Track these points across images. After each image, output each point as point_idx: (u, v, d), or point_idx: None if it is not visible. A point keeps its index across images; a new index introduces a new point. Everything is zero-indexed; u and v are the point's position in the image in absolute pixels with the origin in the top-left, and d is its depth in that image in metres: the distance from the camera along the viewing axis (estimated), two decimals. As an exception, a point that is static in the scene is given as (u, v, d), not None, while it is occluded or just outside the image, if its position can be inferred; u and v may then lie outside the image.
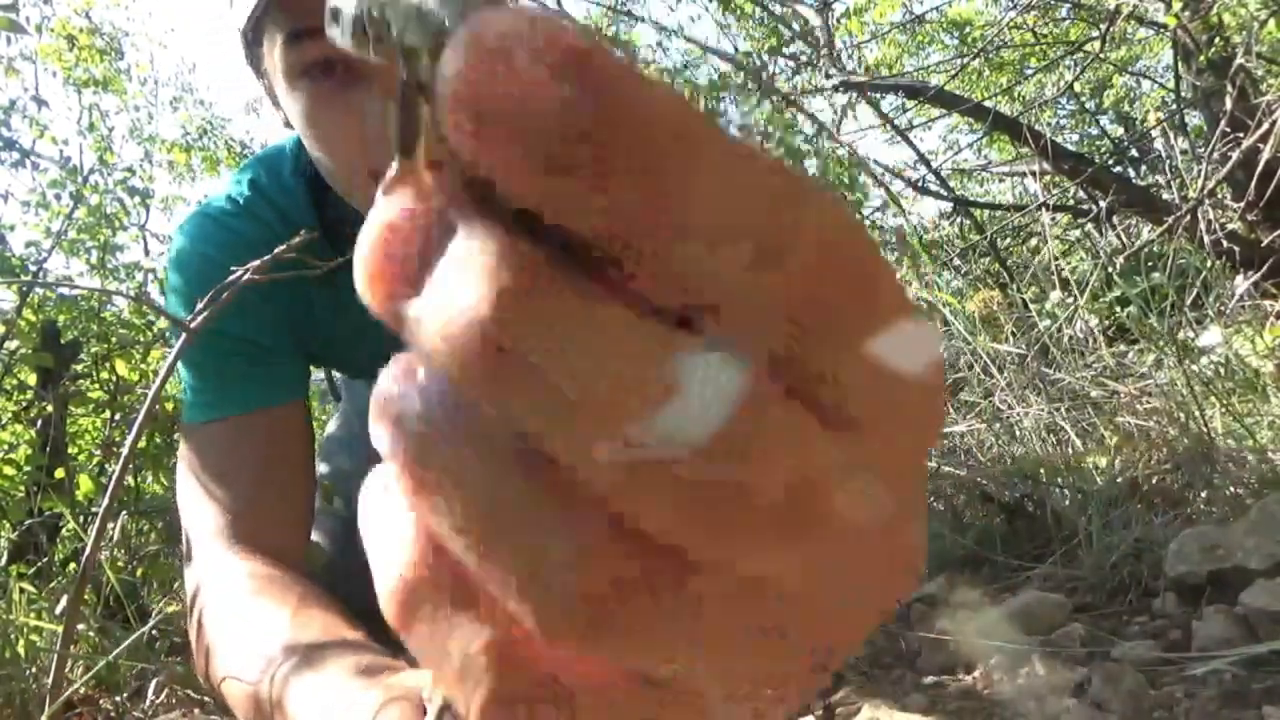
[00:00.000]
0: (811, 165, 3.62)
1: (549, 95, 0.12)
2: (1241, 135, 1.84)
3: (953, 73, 3.92)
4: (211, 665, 0.68)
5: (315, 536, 1.42)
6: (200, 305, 0.72)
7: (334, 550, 1.39)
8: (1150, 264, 1.90)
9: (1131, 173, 3.80)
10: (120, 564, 1.30)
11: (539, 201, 0.13)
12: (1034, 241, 2.86)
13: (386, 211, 0.15)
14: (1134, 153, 3.98)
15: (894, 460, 0.15)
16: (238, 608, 0.70)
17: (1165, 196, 2.31)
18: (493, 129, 0.12)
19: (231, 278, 0.71)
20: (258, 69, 0.78)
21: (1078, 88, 4.68)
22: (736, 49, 3.79)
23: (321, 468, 1.49)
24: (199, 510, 0.81)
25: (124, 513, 1.27)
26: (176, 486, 0.84)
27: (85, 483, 1.31)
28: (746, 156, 0.13)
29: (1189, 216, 1.85)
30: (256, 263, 0.71)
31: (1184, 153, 2.60)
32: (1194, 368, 1.12)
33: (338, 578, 1.34)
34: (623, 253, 0.13)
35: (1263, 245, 1.91)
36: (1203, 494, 1.00)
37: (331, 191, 0.87)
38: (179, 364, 0.90)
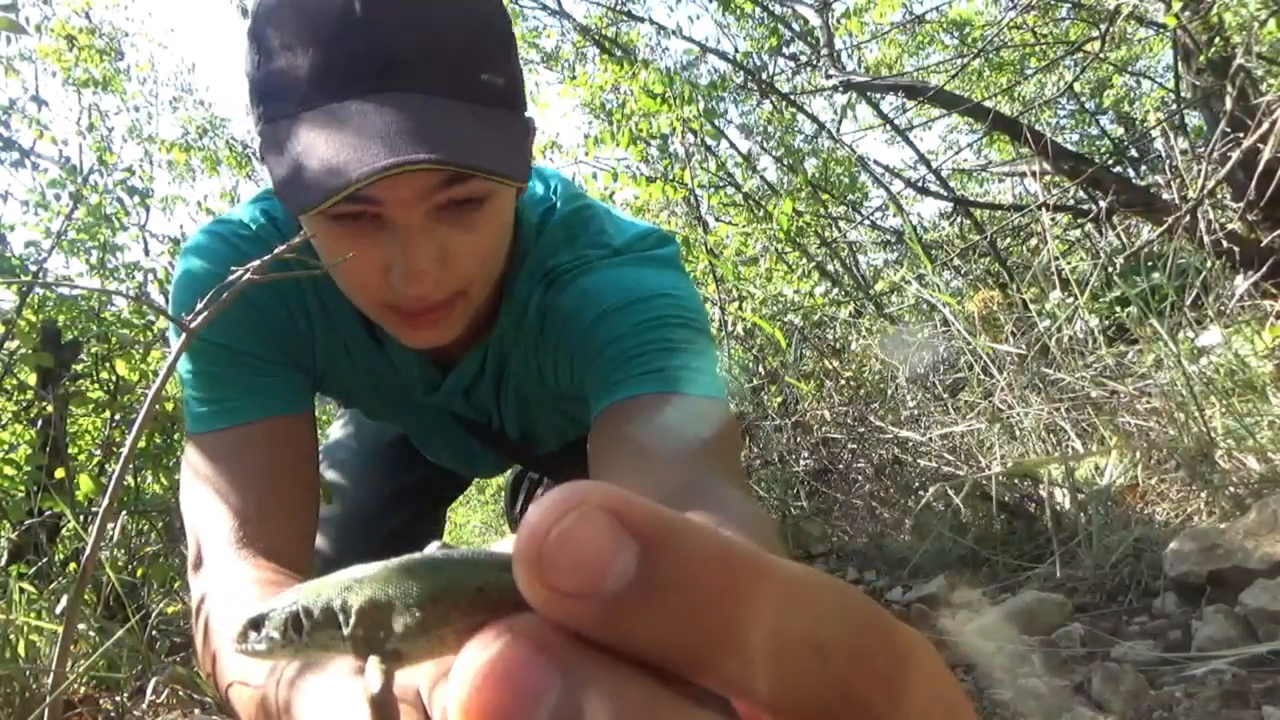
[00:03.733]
0: (811, 165, 3.62)
1: (605, 565, 0.15)
2: (1241, 135, 1.84)
3: (953, 73, 3.92)
4: (218, 670, 0.68)
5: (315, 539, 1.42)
6: (200, 305, 0.72)
7: (332, 552, 1.39)
8: (1150, 264, 1.90)
9: (1131, 173, 3.80)
10: (120, 564, 1.30)
11: (609, 640, 0.16)
12: (1034, 241, 2.86)
13: None
14: (1134, 153, 3.98)
15: None
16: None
17: (1165, 196, 2.31)
18: (564, 597, 0.15)
19: (231, 278, 0.71)
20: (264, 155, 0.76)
21: (1078, 88, 4.68)
22: (736, 49, 3.79)
23: (325, 471, 1.49)
24: (205, 517, 0.82)
25: (124, 513, 1.27)
26: (181, 493, 0.84)
27: (85, 483, 1.31)
28: (792, 580, 0.16)
29: (1189, 216, 1.85)
30: (256, 263, 0.70)
31: (1184, 153, 2.60)
32: (1194, 368, 1.12)
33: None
34: (681, 668, 0.16)
35: (1263, 245, 1.91)
36: (1203, 494, 1.00)
37: None
38: (183, 374, 0.92)
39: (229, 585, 0.75)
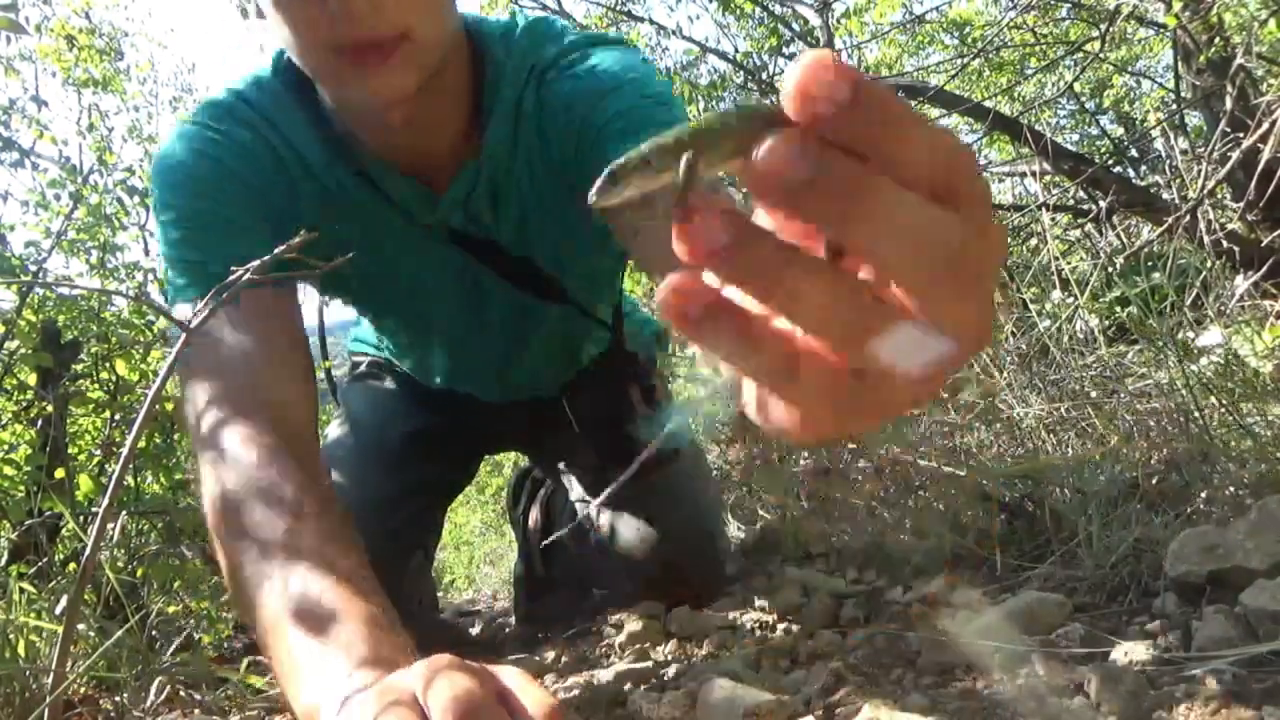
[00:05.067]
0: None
1: (839, 87, 0.26)
2: (1241, 135, 1.84)
3: (953, 73, 3.92)
4: (241, 575, 0.74)
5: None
6: (200, 305, 0.72)
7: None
8: (1150, 264, 1.90)
9: (1131, 173, 3.79)
10: (120, 564, 1.30)
11: (836, 135, 0.27)
12: (1034, 241, 2.86)
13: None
14: (1134, 153, 3.98)
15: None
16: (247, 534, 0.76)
17: (1165, 196, 2.31)
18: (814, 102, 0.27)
19: (231, 278, 0.71)
20: None
21: (1078, 88, 4.68)
22: (736, 49, 3.78)
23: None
24: (206, 390, 0.84)
25: (124, 513, 1.27)
26: (181, 388, 0.87)
27: (85, 483, 1.31)
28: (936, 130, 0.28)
29: (1189, 216, 1.85)
30: (256, 263, 0.71)
31: (1184, 153, 2.60)
32: (1194, 368, 1.12)
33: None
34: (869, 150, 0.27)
35: (1263, 245, 1.91)
36: (1203, 494, 1.00)
37: (314, 87, 0.98)
38: (164, 251, 0.97)
39: (254, 478, 0.77)
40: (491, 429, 1.58)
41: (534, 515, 1.75)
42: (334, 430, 1.58)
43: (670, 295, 0.29)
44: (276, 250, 0.71)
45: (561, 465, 1.50)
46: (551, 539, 1.61)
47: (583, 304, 1.26)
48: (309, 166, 1.02)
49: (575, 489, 1.45)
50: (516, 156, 1.08)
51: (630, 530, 1.33)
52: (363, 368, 1.61)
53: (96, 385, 1.44)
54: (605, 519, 1.38)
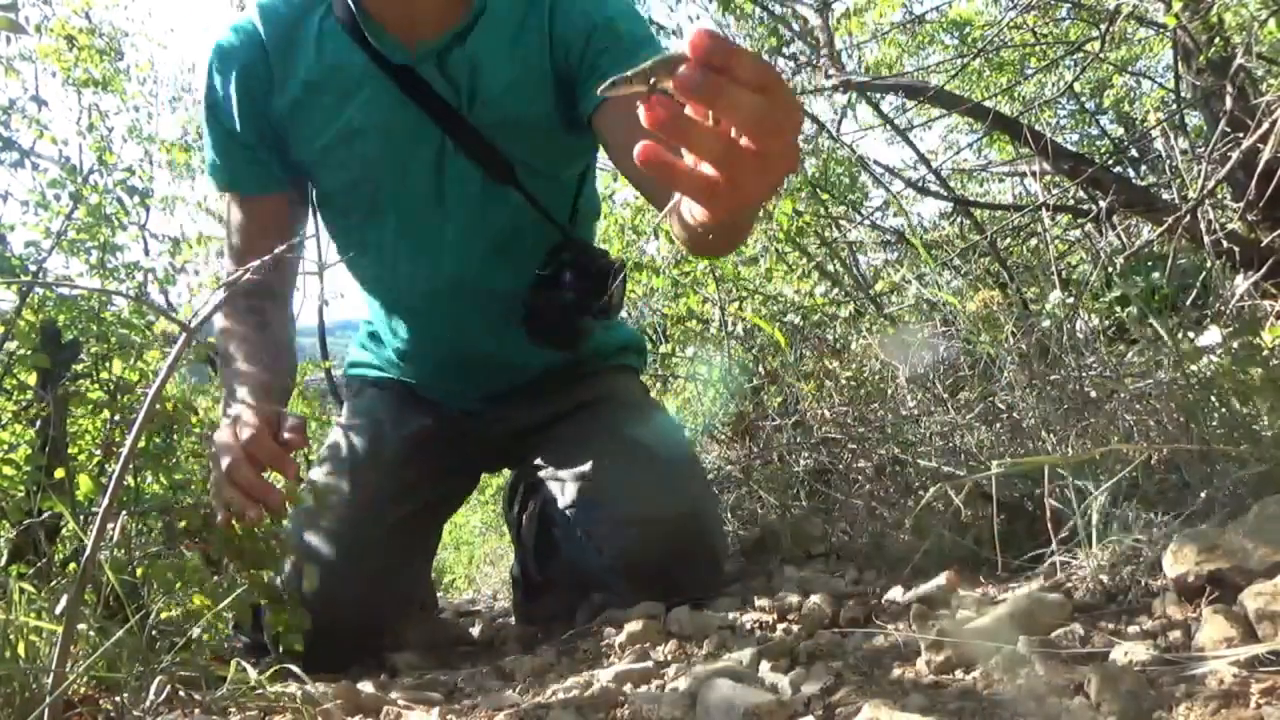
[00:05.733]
0: (811, 165, 3.61)
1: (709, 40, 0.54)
2: (1241, 135, 1.84)
3: (953, 73, 3.92)
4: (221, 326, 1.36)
5: (314, 540, 1.43)
6: (202, 305, 0.73)
7: (338, 549, 1.39)
8: (1150, 264, 1.90)
9: (1131, 173, 3.79)
10: (120, 564, 1.30)
11: (710, 63, 0.55)
12: (1034, 242, 2.86)
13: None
14: (1134, 153, 3.98)
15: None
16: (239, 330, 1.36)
17: (1165, 196, 2.31)
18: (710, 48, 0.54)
19: (231, 278, 0.71)
20: None
21: (1078, 88, 4.68)
22: (736, 49, 3.78)
23: (325, 475, 1.50)
24: (230, 245, 1.44)
25: (124, 513, 1.26)
26: (227, 237, 1.44)
27: (85, 483, 1.31)
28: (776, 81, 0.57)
29: (1189, 216, 1.85)
30: (256, 263, 0.71)
31: (1184, 153, 2.60)
32: (1194, 368, 1.12)
33: (336, 582, 1.34)
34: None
35: (1263, 245, 1.91)
36: (1202, 494, 1.00)
37: None
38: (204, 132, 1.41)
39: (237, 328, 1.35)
40: (482, 433, 1.60)
41: (529, 518, 1.75)
42: (334, 436, 1.59)
43: (643, 149, 0.58)
44: (277, 250, 0.71)
45: (551, 472, 1.50)
46: (524, 519, 1.71)
47: (536, 199, 1.40)
48: (308, 36, 1.33)
49: (565, 496, 1.46)
50: (520, 41, 1.32)
51: (625, 527, 1.33)
52: (359, 385, 1.67)
53: (96, 385, 1.43)
54: (598, 519, 1.38)
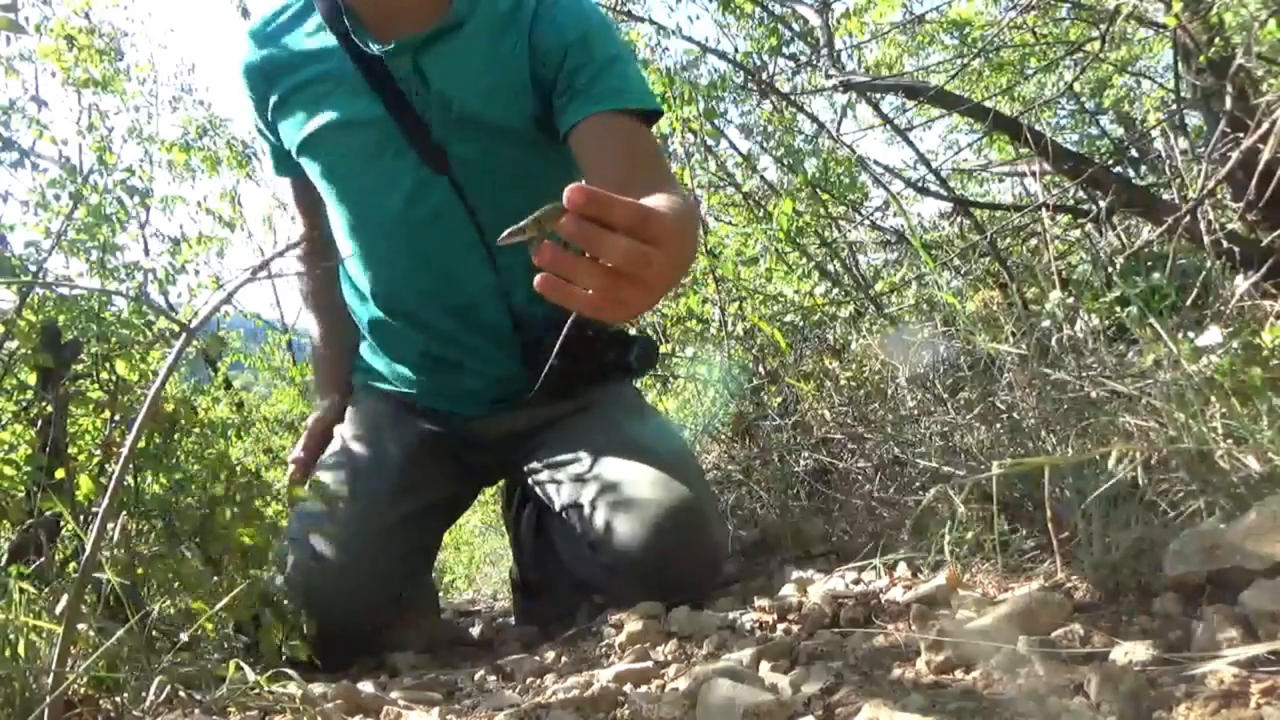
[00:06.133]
0: (811, 165, 3.61)
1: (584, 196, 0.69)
2: (1241, 135, 1.84)
3: (953, 73, 3.92)
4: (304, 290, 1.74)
5: (314, 540, 1.43)
6: (202, 305, 0.73)
7: (342, 552, 1.40)
8: (1150, 264, 1.89)
9: (1131, 173, 3.79)
10: (120, 564, 1.30)
11: (586, 214, 0.70)
12: (1034, 241, 2.86)
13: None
14: (1134, 153, 3.98)
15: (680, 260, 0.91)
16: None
17: (1165, 196, 2.31)
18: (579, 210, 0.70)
19: (232, 280, 0.72)
20: None
21: (1078, 88, 4.67)
22: (736, 49, 3.78)
23: (328, 476, 1.50)
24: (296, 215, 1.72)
25: (124, 513, 1.26)
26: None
27: (85, 483, 1.31)
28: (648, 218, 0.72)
29: (1189, 216, 1.84)
30: (256, 263, 0.72)
31: (1184, 153, 2.60)
32: (1194, 368, 1.12)
33: (335, 581, 1.35)
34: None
35: (1263, 245, 1.91)
36: (1203, 494, 1.00)
37: None
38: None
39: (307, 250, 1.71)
40: (480, 436, 1.60)
41: (526, 519, 1.75)
42: (336, 442, 1.60)
43: (541, 280, 0.70)
44: (274, 253, 0.72)
45: (548, 475, 1.51)
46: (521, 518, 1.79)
47: (471, 201, 1.47)
48: (285, 46, 1.49)
49: (562, 497, 1.46)
50: (500, 48, 1.40)
51: (622, 525, 1.33)
52: (362, 392, 1.68)
53: (96, 385, 1.43)
54: (596, 518, 1.38)
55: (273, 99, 1.51)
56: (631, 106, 1.33)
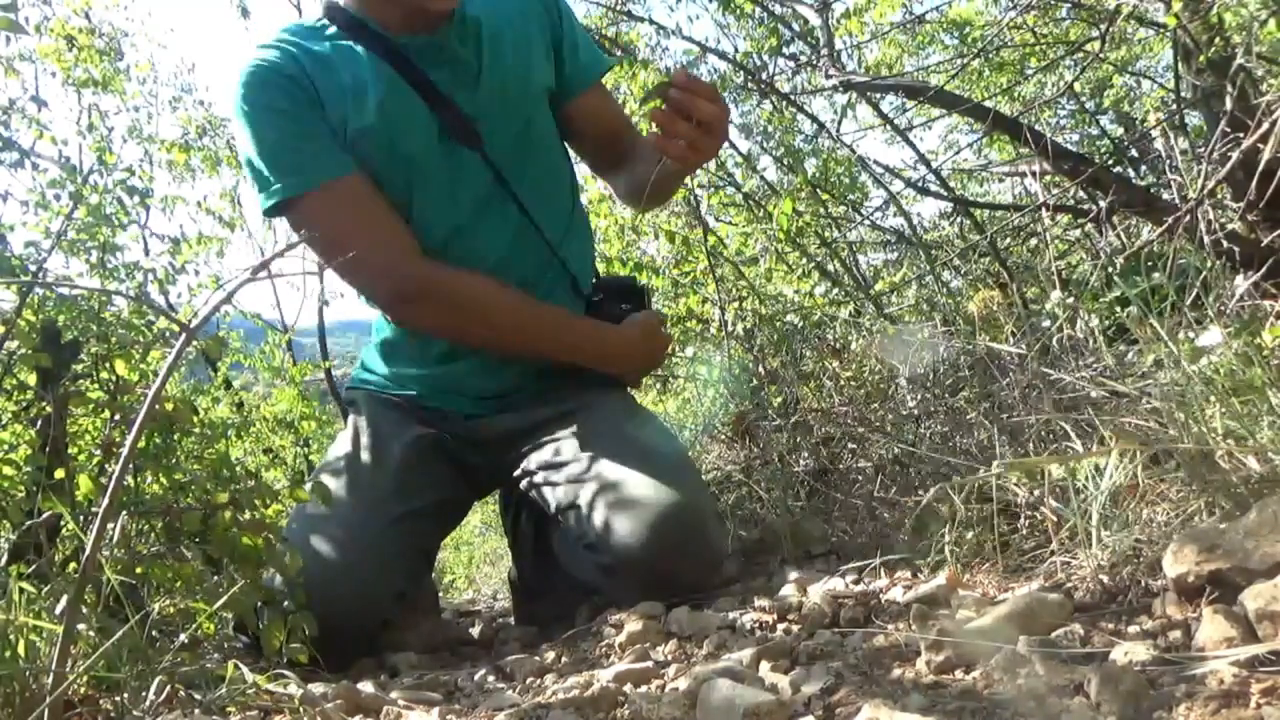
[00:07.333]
0: (811, 165, 3.61)
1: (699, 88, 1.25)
2: (1241, 135, 1.84)
3: (953, 73, 3.92)
4: (487, 303, 1.52)
5: (316, 542, 1.43)
6: (202, 305, 0.73)
7: (341, 553, 1.40)
8: (1150, 264, 1.89)
9: (1131, 173, 3.79)
10: (120, 564, 1.29)
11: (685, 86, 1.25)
12: (1034, 241, 2.86)
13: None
14: (1134, 153, 3.97)
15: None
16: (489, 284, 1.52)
17: (1165, 196, 2.30)
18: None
19: (232, 280, 0.71)
20: None
21: (1078, 88, 4.67)
22: (736, 49, 3.78)
23: (328, 478, 1.50)
24: (371, 240, 1.44)
25: (124, 513, 1.26)
26: (319, 240, 1.37)
27: (85, 483, 1.31)
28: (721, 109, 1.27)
29: (1189, 216, 1.84)
30: (257, 263, 0.71)
31: (1184, 153, 2.59)
32: (1194, 368, 1.12)
33: (335, 580, 1.35)
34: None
35: (1263, 245, 1.91)
36: (1203, 494, 1.00)
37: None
38: (250, 157, 1.42)
39: (448, 271, 1.51)
40: (479, 437, 1.61)
41: (525, 521, 1.76)
42: (337, 445, 1.60)
43: (657, 140, 1.25)
44: (274, 253, 0.72)
45: (545, 476, 1.51)
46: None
47: (512, 179, 1.54)
48: (331, 48, 1.46)
49: (560, 498, 1.46)
50: (522, 11, 1.56)
51: (620, 525, 1.33)
52: (363, 397, 1.68)
53: (96, 385, 1.43)
54: (594, 519, 1.38)
55: (322, 104, 1.45)
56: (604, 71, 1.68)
